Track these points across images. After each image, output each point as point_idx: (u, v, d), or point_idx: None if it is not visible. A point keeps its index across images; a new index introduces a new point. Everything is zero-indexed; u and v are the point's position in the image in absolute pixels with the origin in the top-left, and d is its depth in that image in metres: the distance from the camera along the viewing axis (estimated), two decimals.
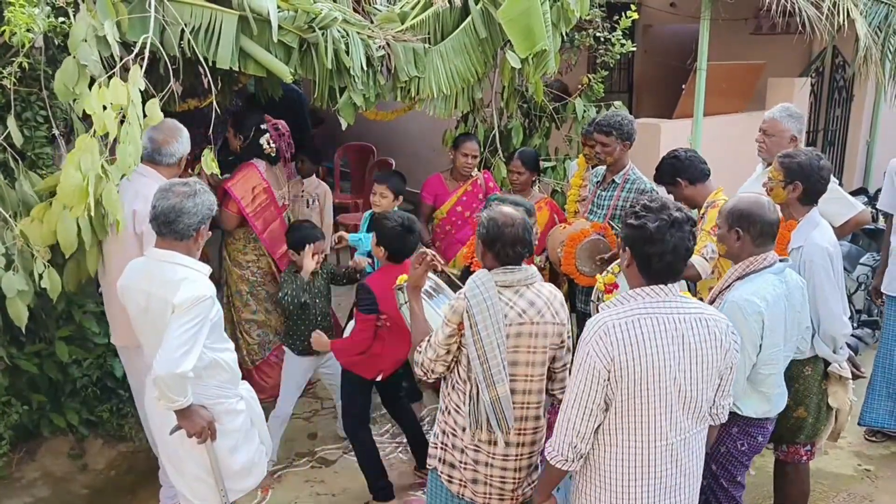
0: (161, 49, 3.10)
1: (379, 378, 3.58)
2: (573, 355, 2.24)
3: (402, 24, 3.94)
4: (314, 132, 7.03)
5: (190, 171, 3.97)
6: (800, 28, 5.10)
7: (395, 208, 4.09)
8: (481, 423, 2.41)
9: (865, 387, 4.13)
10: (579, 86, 5.13)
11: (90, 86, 2.88)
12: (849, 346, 3.18)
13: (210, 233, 2.74)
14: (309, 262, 3.78)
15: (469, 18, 4.12)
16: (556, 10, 4.31)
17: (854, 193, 5.77)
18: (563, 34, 4.50)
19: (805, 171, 2.95)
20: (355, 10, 3.82)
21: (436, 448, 2.66)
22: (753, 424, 2.78)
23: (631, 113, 5.44)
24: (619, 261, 2.68)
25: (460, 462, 2.56)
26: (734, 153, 5.09)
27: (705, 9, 5.32)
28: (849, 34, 5.34)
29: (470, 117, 4.97)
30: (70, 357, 3.62)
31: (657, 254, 2.10)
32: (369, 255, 4.01)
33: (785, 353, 2.77)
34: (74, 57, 2.90)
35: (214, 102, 3.33)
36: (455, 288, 2.89)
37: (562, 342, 2.54)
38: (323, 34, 3.42)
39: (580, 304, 4.14)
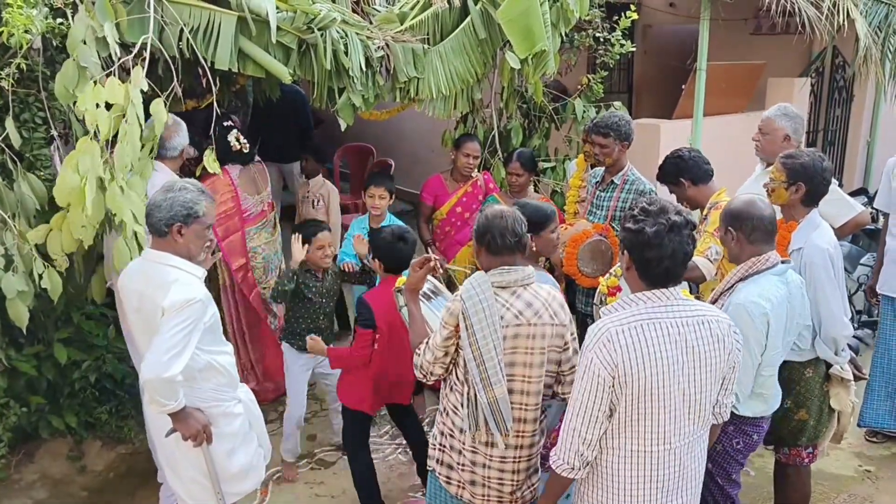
0: (162, 49, 3.10)
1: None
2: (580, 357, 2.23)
3: (402, 24, 3.93)
4: (314, 132, 7.03)
5: (192, 169, 3.97)
6: (800, 28, 5.09)
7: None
8: (479, 424, 2.40)
9: (864, 387, 4.13)
10: (579, 86, 5.13)
11: None
12: (849, 346, 3.17)
13: (210, 242, 2.70)
14: (297, 250, 3.70)
15: (468, 19, 4.11)
16: (555, 11, 4.30)
17: (854, 194, 5.78)
18: (563, 34, 4.49)
19: (808, 172, 2.94)
20: (354, 11, 3.81)
21: (434, 449, 2.65)
22: (749, 423, 2.78)
23: (631, 113, 5.44)
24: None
25: (458, 464, 2.55)
26: (734, 153, 5.08)
27: (705, 9, 5.31)
28: (849, 34, 5.33)
29: (469, 118, 4.97)
30: (69, 359, 3.61)
31: (655, 258, 2.08)
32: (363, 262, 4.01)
33: (782, 354, 2.77)
34: (74, 59, 2.90)
35: (215, 103, 3.33)
36: (453, 290, 2.89)
37: (565, 344, 2.51)
38: (322, 35, 3.41)
39: (581, 304, 4.13)
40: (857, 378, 3.14)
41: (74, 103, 2.93)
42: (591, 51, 5.28)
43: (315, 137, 6.89)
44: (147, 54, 3.03)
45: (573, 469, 2.17)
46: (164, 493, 3.40)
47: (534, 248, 2.92)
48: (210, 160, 3.39)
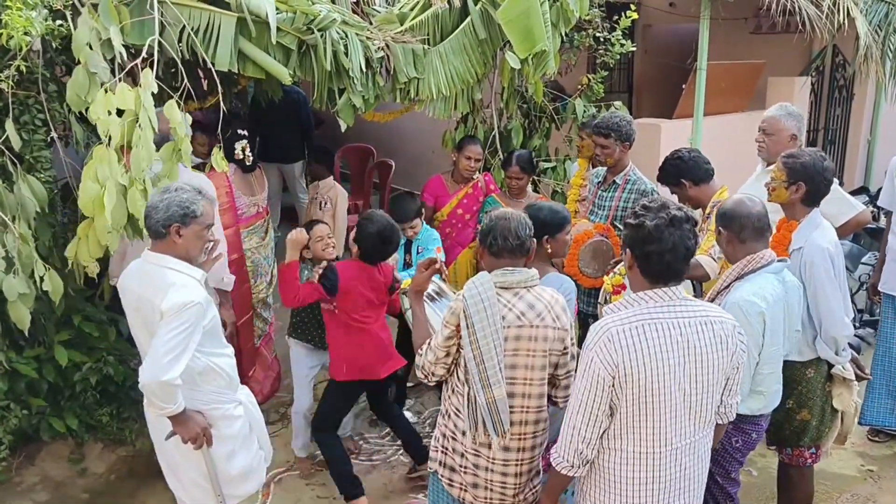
0: (169, 50, 3.09)
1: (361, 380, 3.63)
2: (577, 362, 2.22)
3: (401, 25, 3.93)
4: (315, 133, 7.03)
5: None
6: (800, 27, 5.09)
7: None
8: (478, 425, 2.40)
9: (865, 386, 4.12)
10: (579, 86, 5.12)
11: None
12: (851, 346, 3.17)
13: (211, 243, 2.70)
14: (291, 240, 3.68)
15: (468, 19, 4.11)
16: (555, 11, 4.29)
17: (855, 193, 5.76)
18: (563, 34, 4.49)
19: (809, 171, 2.94)
20: (354, 12, 3.81)
21: (436, 451, 2.65)
22: (748, 421, 2.78)
23: (631, 113, 5.44)
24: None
25: (461, 466, 2.54)
26: (735, 153, 5.08)
27: (705, 8, 5.30)
28: (849, 33, 5.33)
29: (469, 118, 4.96)
30: (69, 361, 3.61)
31: (656, 252, 2.08)
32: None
33: (781, 352, 2.77)
34: (84, 65, 2.89)
35: (222, 103, 3.33)
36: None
37: (564, 348, 2.50)
38: (322, 36, 3.41)
39: (582, 305, 4.12)
40: (859, 378, 3.13)
41: (87, 109, 2.93)
42: (591, 50, 5.27)
43: (316, 138, 6.89)
44: (156, 56, 3.02)
45: (573, 467, 2.17)
46: None
47: (549, 251, 2.92)
48: (218, 158, 3.37)
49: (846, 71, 7.24)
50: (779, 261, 2.72)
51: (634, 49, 5.26)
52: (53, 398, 3.74)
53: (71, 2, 3.06)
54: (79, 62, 2.93)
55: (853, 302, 4.87)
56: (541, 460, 2.59)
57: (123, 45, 3.00)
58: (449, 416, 2.57)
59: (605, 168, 4.10)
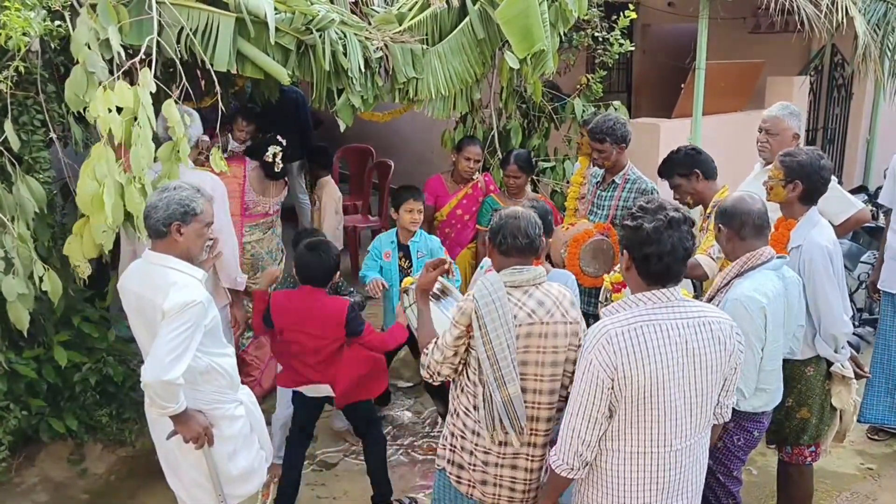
0: (167, 50, 3.09)
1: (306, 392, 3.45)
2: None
3: (400, 25, 3.93)
4: (315, 133, 7.02)
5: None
6: (798, 26, 5.09)
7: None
8: (496, 424, 2.40)
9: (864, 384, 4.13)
10: (578, 86, 5.12)
11: None
12: (850, 344, 3.17)
13: (211, 241, 2.71)
14: (266, 274, 3.68)
15: (467, 19, 4.11)
16: (554, 11, 4.30)
17: (854, 191, 5.77)
18: (562, 34, 4.49)
19: (806, 170, 2.94)
20: (353, 12, 3.81)
21: (444, 449, 2.65)
22: (749, 419, 2.78)
23: (630, 112, 5.45)
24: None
25: (469, 464, 2.54)
26: (733, 152, 5.08)
27: (704, 8, 5.31)
28: (847, 32, 5.33)
29: (468, 118, 4.96)
30: (69, 362, 3.61)
31: (655, 254, 2.08)
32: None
33: (782, 349, 2.78)
34: (82, 64, 2.89)
35: (220, 102, 3.33)
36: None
37: (580, 342, 2.49)
38: (320, 36, 3.41)
39: (583, 304, 4.12)
40: (858, 376, 3.13)
41: (85, 109, 2.93)
42: (589, 50, 5.28)
43: (315, 138, 6.89)
44: (154, 57, 3.02)
45: (572, 469, 2.17)
46: None
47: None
48: (217, 158, 3.38)
49: (845, 70, 7.24)
50: (778, 258, 2.73)
51: (633, 49, 5.26)
52: (53, 399, 3.74)
53: (69, 2, 3.06)
54: (77, 62, 2.93)
55: (852, 301, 4.88)
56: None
57: (122, 46, 3.00)
58: (458, 415, 2.57)
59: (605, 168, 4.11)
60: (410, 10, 4.01)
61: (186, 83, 3.21)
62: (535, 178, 4.87)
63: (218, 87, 3.23)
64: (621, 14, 5.02)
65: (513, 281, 2.42)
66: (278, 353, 3.51)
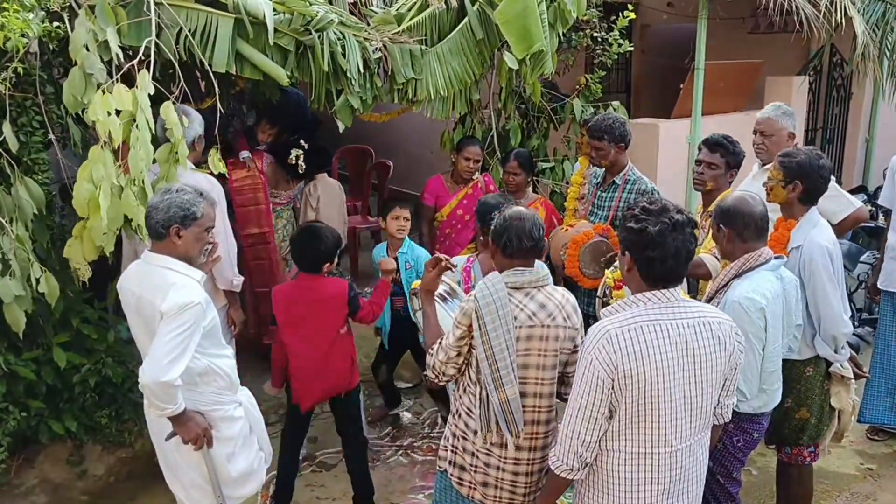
0: (166, 52, 3.09)
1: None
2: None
3: (399, 25, 3.93)
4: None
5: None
6: (797, 26, 5.10)
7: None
8: (491, 425, 2.40)
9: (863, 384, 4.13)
10: (576, 86, 5.12)
11: None
12: (850, 345, 3.17)
13: (210, 245, 2.70)
14: None
15: (466, 20, 4.11)
16: (552, 11, 4.30)
17: (853, 191, 5.77)
18: (561, 35, 4.49)
19: (805, 170, 2.95)
20: (351, 13, 3.81)
21: (446, 451, 2.65)
22: (749, 420, 2.78)
23: (629, 113, 5.44)
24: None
25: (471, 465, 2.54)
26: None
27: (703, 8, 5.32)
28: (846, 32, 5.33)
29: (468, 119, 4.96)
30: (68, 363, 3.61)
31: (659, 258, 2.07)
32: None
33: (781, 349, 2.78)
34: (80, 67, 2.89)
35: (219, 103, 3.33)
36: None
37: (574, 347, 2.50)
38: (319, 37, 3.41)
39: (583, 305, 4.12)
40: (857, 376, 3.14)
41: (84, 110, 2.92)
42: (588, 50, 5.28)
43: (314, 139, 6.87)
44: (152, 58, 3.02)
45: (572, 470, 2.16)
46: None
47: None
48: (215, 159, 3.37)
49: (844, 70, 7.25)
50: (776, 258, 2.73)
51: (632, 49, 5.27)
52: (52, 400, 3.73)
53: (68, 3, 3.06)
54: (75, 64, 2.93)
55: (852, 301, 4.88)
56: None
57: (120, 47, 2.99)
58: (459, 416, 2.57)
59: (605, 168, 4.11)
60: (409, 10, 4.01)
61: (185, 84, 3.21)
62: (534, 178, 4.86)
63: (217, 89, 3.23)
64: (620, 14, 5.02)
65: (514, 282, 2.42)
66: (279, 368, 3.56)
